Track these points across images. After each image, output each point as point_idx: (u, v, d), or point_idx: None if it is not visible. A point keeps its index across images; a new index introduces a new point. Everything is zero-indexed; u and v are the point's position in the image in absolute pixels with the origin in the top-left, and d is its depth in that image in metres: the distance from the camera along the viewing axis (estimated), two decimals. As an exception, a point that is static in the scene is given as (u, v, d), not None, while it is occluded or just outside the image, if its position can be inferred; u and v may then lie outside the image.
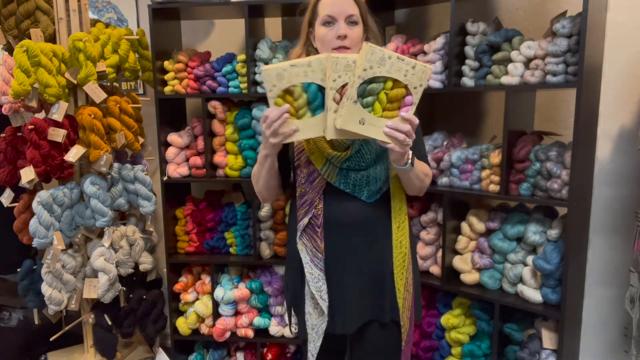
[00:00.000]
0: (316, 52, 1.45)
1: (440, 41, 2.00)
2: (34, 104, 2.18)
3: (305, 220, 1.43)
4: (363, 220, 1.42)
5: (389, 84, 1.22)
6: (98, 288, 2.34)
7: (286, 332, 2.43)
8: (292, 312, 1.58)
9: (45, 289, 2.26)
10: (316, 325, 1.44)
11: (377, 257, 1.44)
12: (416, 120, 1.26)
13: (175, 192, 2.53)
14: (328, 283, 1.42)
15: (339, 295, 1.42)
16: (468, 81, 1.96)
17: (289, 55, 1.56)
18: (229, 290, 2.40)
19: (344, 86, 1.24)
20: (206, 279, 2.50)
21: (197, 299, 2.51)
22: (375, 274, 1.44)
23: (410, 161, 1.34)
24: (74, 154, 2.21)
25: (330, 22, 1.38)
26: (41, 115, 2.24)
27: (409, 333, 1.47)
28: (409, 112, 1.25)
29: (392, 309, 1.44)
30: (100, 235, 2.44)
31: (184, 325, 2.49)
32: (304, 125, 1.28)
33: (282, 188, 1.54)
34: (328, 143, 1.38)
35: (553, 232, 1.84)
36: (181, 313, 2.57)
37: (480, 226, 2.01)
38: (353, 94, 1.21)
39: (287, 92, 1.26)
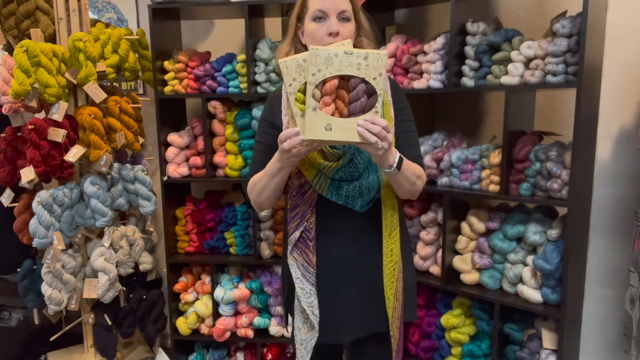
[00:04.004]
0: (304, 49, 1.39)
1: (440, 41, 2.00)
2: (34, 104, 2.18)
3: (297, 233, 1.38)
4: (356, 231, 1.39)
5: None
6: (98, 288, 2.34)
7: (286, 332, 2.43)
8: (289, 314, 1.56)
9: (45, 289, 2.26)
10: (305, 341, 1.41)
11: (369, 266, 1.40)
12: (383, 122, 1.17)
13: (175, 192, 2.53)
14: (321, 295, 1.38)
15: (333, 307, 1.39)
16: (468, 81, 1.96)
17: (276, 53, 1.50)
18: (229, 290, 2.40)
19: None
20: (206, 279, 2.50)
21: (197, 299, 2.51)
22: (368, 283, 1.40)
23: (395, 164, 1.26)
24: (74, 154, 2.21)
25: (321, 17, 1.32)
26: (41, 115, 2.24)
27: (398, 343, 1.43)
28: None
29: (386, 318, 1.41)
30: (100, 235, 2.44)
31: (184, 325, 2.49)
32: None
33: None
34: (319, 153, 1.33)
35: (553, 232, 1.84)
36: (181, 313, 2.57)
37: (480, 226, 2.01)
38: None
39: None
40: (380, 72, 1.16)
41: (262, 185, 1.37)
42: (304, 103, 1.17)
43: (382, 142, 1.16)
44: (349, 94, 1.19)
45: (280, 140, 1.21)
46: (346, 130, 1.17)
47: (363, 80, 1.17)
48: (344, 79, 1.18)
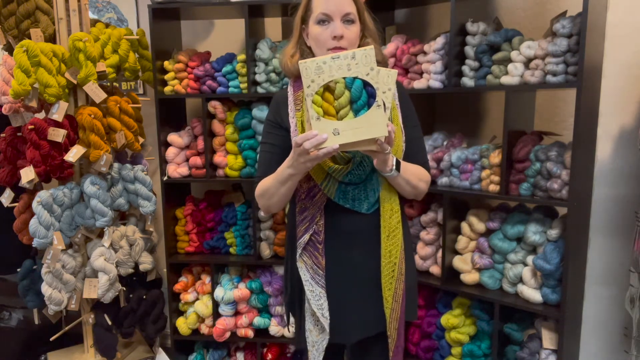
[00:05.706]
0: (309, 50, 1.40)
1: (440, 41, 2.00)
2: (34, 104, 2.18)
3: (307, 236, 1.38)
4: (361, 232, 1.39)
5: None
6: (98, 288, 2.34)
7: (286, 332, 2.43)
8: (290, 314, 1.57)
9: (45, 289, 2.26)
10: (316, 343, 1.41)
11: (372, 267, 1.40)
12: (392, 127, 1.20)
13: (175, 192, 2.53)
14: (329, 297, 1.39)
15: (340, 308, 1.39)
16: (468, 81, 1.96)
17: (280, 54, 1.49)
18: (229, 290, 2.40)
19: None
20: (206, 279, 2.50)
21: (197, 299, 2.51)
22: (371, 284, 1.41)
23: (394, 167, 1.29)
24: (74, 154, 2.21)
25: (325, 20, 1.31)
26: (41, 115, 2.24)
27: (397, 344, 1.43)
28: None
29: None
30: (100, 235, 2.44)
31: (184, 325, 2.49)
32: (346, 127, 1.16)
33: None
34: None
35: (553, 232, 1.84)
36: (181, 313, 2.57)
37: (480, 226, 2.01)
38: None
39: (327, 89, 1.17)
40: (389, 87, 1.18)
41: (271, 191, 1.36)
42: (321, 106, 1.17)
43: (390, 146, 1.22)
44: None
45: (297, 142, 1.18)
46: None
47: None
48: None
